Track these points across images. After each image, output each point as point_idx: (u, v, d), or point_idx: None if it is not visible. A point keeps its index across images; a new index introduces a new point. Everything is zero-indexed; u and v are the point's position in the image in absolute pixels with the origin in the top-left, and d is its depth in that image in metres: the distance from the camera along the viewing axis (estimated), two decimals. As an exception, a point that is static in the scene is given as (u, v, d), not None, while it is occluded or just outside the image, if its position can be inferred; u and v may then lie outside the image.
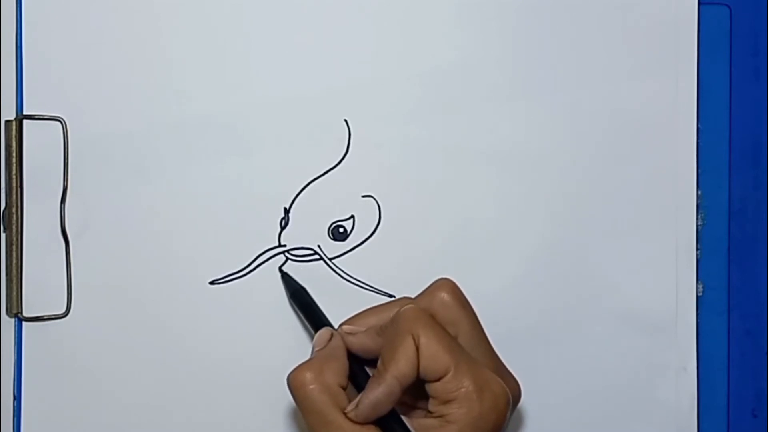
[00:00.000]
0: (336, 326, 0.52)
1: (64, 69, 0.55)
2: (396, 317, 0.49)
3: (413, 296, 0.52)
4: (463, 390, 0.47)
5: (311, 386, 0.48)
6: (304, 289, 0.55)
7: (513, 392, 0.50)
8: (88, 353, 0.55)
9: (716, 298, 0.58)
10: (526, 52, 0.57)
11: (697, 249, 0.57)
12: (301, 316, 0.54)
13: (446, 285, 0.51)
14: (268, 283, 0.55)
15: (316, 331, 0.52)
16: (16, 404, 0.54)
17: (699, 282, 0.57)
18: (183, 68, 0.55)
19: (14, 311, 0.54)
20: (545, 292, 0.57)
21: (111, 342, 0.55)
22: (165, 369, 0.55)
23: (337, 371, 0.49)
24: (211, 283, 0.55)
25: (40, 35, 0.55)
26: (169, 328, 0.55)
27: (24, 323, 0.54)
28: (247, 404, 0.55)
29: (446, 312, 0.50)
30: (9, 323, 0.55)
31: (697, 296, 0.57)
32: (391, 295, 0.55)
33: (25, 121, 0.54)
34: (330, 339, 0.51)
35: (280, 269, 0.55)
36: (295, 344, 0.55)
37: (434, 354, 0.47)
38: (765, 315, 0.58)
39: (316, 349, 0.51)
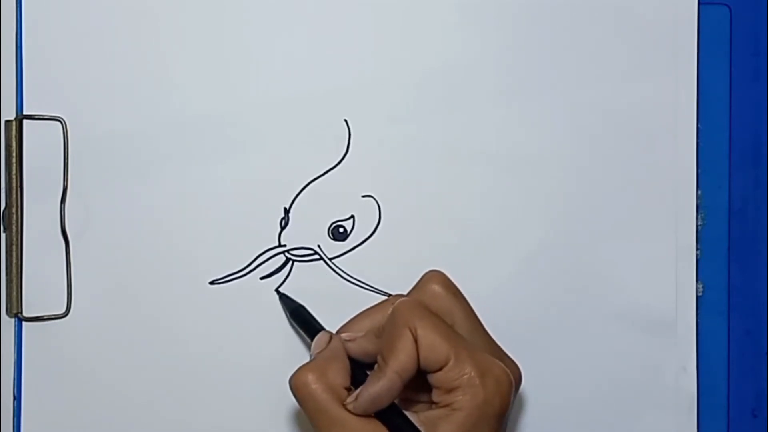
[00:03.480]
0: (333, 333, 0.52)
1: (64, 69, 0.55)
2: (392, 313, 0.49)
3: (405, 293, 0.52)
4: (465, 377, 0.47)
5: (314, 386, 0.48)
6: (303, 306, 0.55)
7: (514, 375, 0.49)
8: (88, 353, 0.55)
9: (716, 298, 0.58)
10: (526, 53, 0.57)
11: (697, 249, 0.57)
12: (302, 333, 0.54)
13: (436, 276, 0.51)
14: (268, 283, 0.55)
15: None
16: (16, 404, 0.54)
17: (699, 282, 0.57)
18: (183, 68, 0.55)
19: (14, 311, 0.54)
20: (545, 293, 0.57)
21: (111, 342, 0.55)
22: (165, 369, 0.55)
23: (339, 371, 0.49)
24: (211, 283, 0.55)
25: (40, 35, 0.55)
26: (169, 328, 0.55)
27: (24, 323, 0.54)
28: (247, 404, 0.55)
29: (439, 303, 0.50)
30: (9, 323, 0.55)
31: (697, 296, 0.57)
32: (390, 295, 0.55)
33: (25, 121, 0.54)
34: (329, 341, 0.51)
35: (277, 291, 0.55)
36: (295, 344, 0.55)
37: (433, 344, 0.47)
38: (765, 315, 0.58)
39: (316, 352, 0.51)
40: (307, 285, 0.55)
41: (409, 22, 0.56)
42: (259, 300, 0.55)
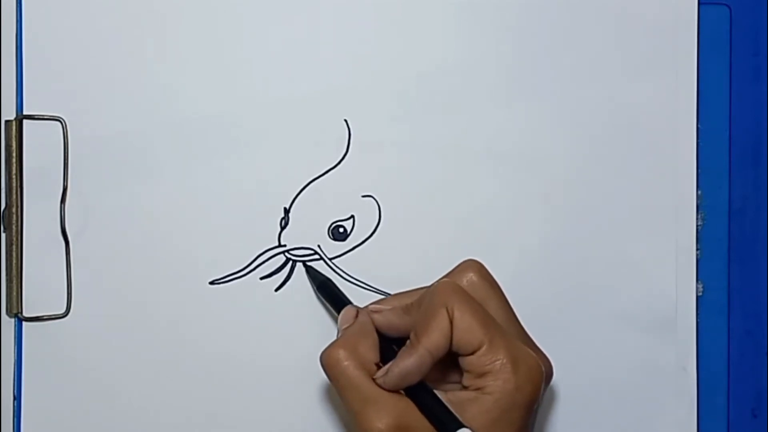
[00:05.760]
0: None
1: (64, 69, 0.55)
2: (430, 291, 0.49)
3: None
4: (498, 362, 0.47)
5: (346, 363, 0.48)
6: (329, 280, 0.55)
7: (546, 367, 0.50)
8: (88, 353, 0.55)
9: (716, 298, 0.58)
10: (526, 52, 0.57)
11: (697, 249, 0.57)
12: (329, 306, 0.54)
13: (474, 265, 0.51)
14: (268, 283, 0.55)
15: None
16: (16, 404, 0.54)
17: (699, 282, 0.57)
18: (183, 68, 0.55)
19: (14, 311, 0.54)
20: (545, 292, 0.57)
21: (111, 342, 0.55)
22: (165, 369, 0.55)
23: (369, 347, 0.49)
24: (211, 283, 0.55)
25: (40, 35, 0.55)
26: (169, 328, 0.55)
27: (24, 323, 0.54)
28: (246, 404, 0.55)
29: (474, 291, 0.50)
30: (9, 323, 0.55)
31: (697, 296, 0.57)
32: (390, 295, 0.55)
33: (25, 121, 0.54)
34: (356, 316, 0.51)
35: (304, 264, 0.55)
36: (295, 344, 0.55)
37: (469, 327, 0.47)
38: (765, 315, 0.58)
39: (343, 327, 0.50)
40: (308, 285, 0.55)
41: (409, 21, 0.56)
42: (259, 300, 0.55)
